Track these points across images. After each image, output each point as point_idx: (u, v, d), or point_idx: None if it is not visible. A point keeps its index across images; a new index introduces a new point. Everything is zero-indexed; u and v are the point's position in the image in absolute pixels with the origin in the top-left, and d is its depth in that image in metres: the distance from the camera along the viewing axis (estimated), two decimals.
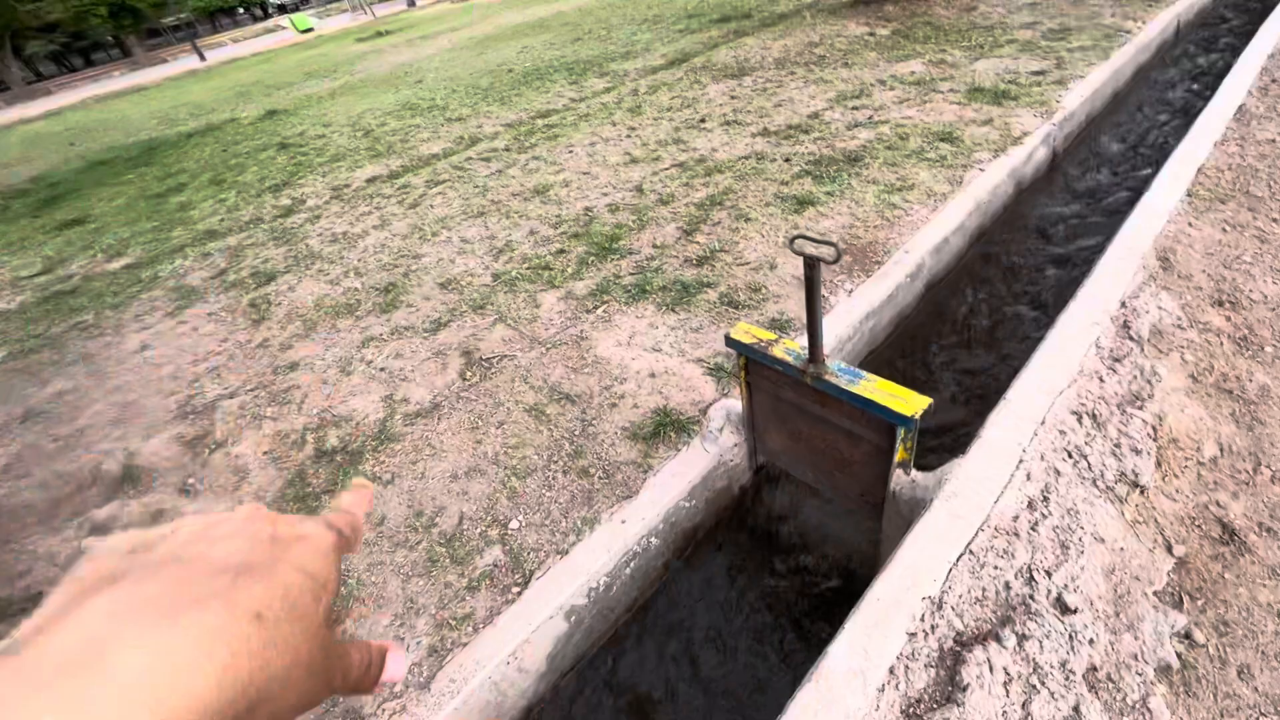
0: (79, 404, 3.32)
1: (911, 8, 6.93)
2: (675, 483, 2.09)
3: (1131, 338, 2.19)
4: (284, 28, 35.62)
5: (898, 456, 1.68)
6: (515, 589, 1.87)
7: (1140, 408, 1.94)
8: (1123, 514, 1.66)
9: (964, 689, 1.35)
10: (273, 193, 6.06)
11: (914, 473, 1.77)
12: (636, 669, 1.91)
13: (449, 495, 2.22)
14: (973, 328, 2.93)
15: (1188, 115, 4.10)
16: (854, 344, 2.65)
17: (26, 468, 2.93)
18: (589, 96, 6.74)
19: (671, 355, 2.64)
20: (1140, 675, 1.35)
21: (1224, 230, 2.67)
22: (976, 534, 1.64)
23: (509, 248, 3.83)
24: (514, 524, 2.06)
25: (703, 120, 5.19)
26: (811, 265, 1.52)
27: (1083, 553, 1.58)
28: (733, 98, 5.58)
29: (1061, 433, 1.89)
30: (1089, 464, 1.80)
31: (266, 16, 53.28)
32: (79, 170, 9.51)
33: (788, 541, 2.21)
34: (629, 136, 5.22)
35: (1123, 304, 2.34)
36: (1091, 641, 1.40)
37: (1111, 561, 1.56)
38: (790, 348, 1.80)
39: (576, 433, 2.36)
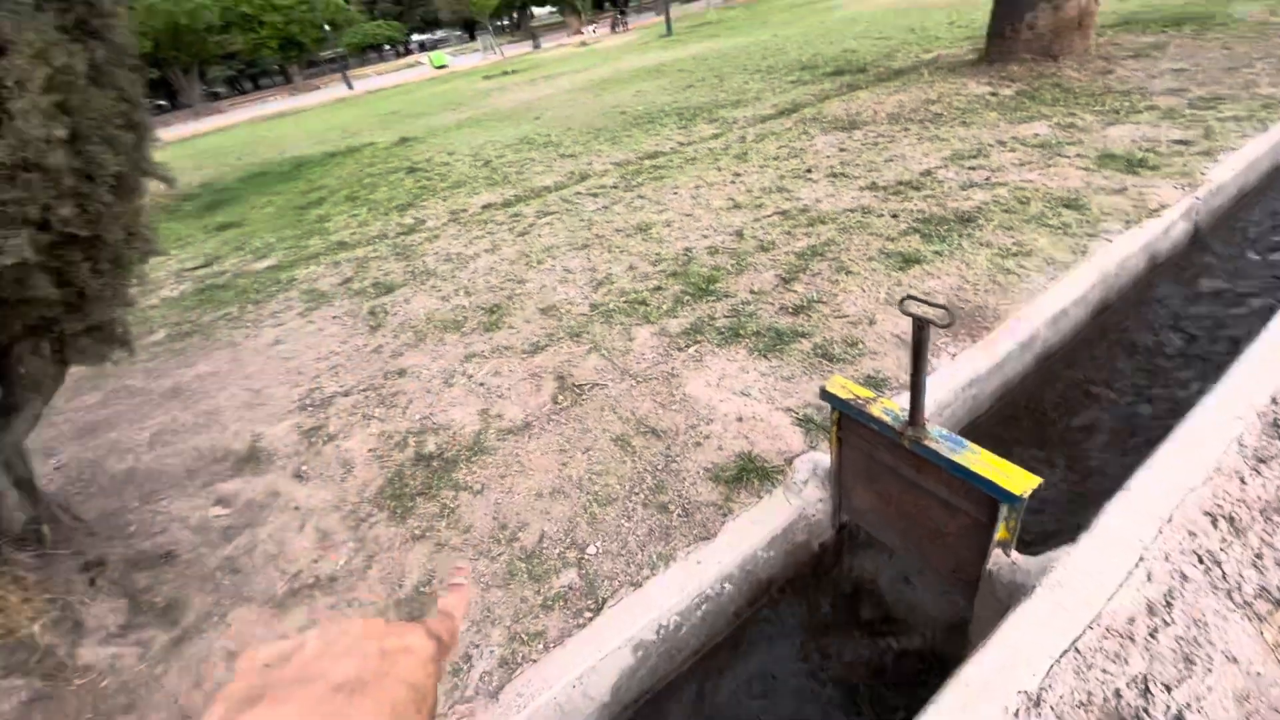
0: (217, 386, 3.72)
1: (1039, 68, 6.69)
2: (755, 530, 2.07)
3: None
4: (422, 63, 39.13)
5: (998, 535, 1.59)
6: (587, 614, 1.90)
7: None
8: (1262, 634, 1.49)
9: None
10: (398, 212, 6.62)
11: (1014, 554, 1.67)
12: (695, 718, 1.88)
13: (532, 513, 2.30)
14: (1087, 408, 2.73)
15: None
16: (953, 410, 2.54)
17: (169, 438, 3.30)
18: (697, 141, 6.94)
19: (760, 401, 2.64)
20: None
21: None
22: (1085, 631, 1.52)
23: (608, 280, 3.97)
24: (591, 549, 2.11)
25: (809, 170, 5.22)
26: (920, 327, 1.50)
27: (1210, 671, 1.42)
28: (841, 150, 5.57)
29: (1191, 534, 1.72)
30: (1223, 573, 1.62)
31: (408, 53, 58.83)
32: (239, 180, 10.78)
33: (866, 606, 2.12)
34: (733, 182, 5.32)
35: (1274, 400, 2.11)
36: None
37: (1245, 687, 1.39)
38: (889, 407, 1.76)
39: (659, 467, 2.39)
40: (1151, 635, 1.50)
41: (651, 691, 1.92)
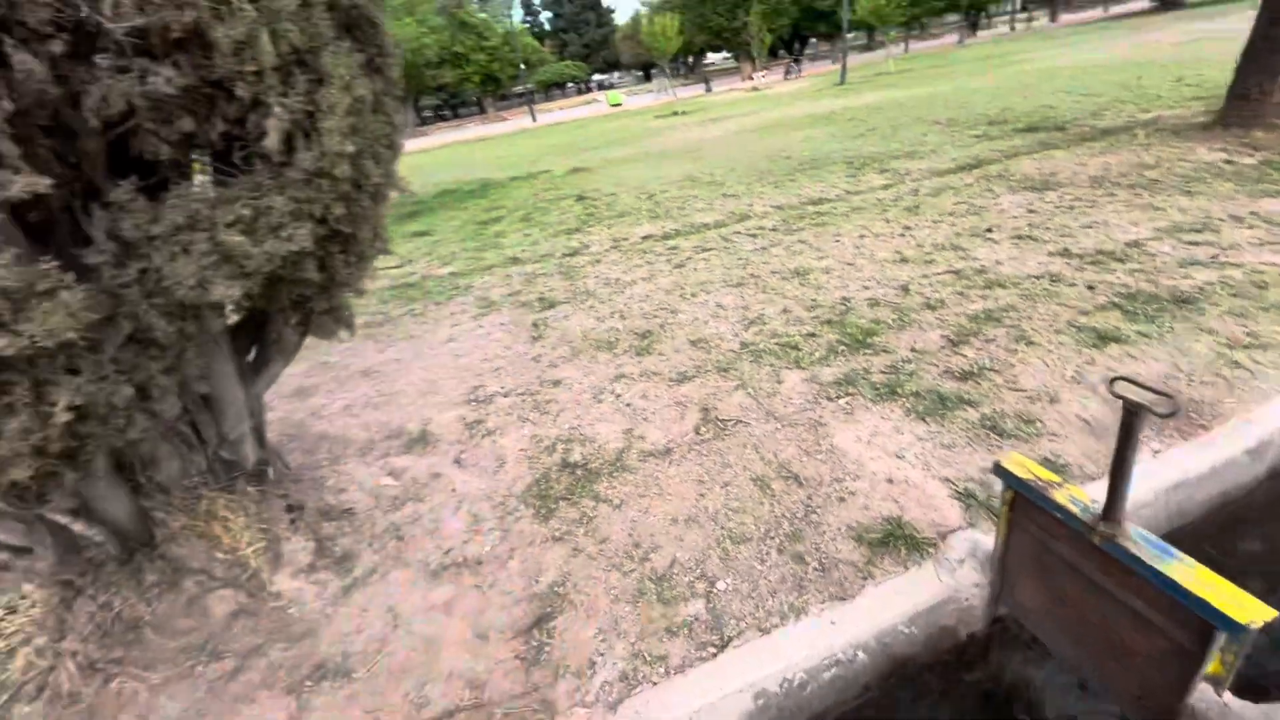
0: (400, 372, 4.21)
1: None
2: (897, 602, 1.95)
3: None
4: (599, 100, 42.15)
5: (1209, 668, 1.37)
6: (711, 649, 1.89)
7: None
8: None
9: None
10: (566, 235, 7.13)
11: (1228, 696, 1.42)
12: None
13: (666, 537, 2.34)
14: None
15: None
16: (1152, 513, 2.22)
17: (357, 410, 3.78)
18: (865, 190, 6.78)
19: (915, 466, 2.49)
20: None
21: None
22: None
23: (760, 320, 3.98)
24: (721, 584, 2.10)
25: (989, 230, 4.88)
26: (1133, 412, 1.35)
27: None
28: (1030, 211, 5.15)
29: None
30: None
31: (588, 90, 63.71)
32: (433, 195, 12.23)
33: (1019, 715, 1.89)
34: (902, 235, 5.11)
35: None
36: None
37: None
38: (1076, 496, 1.59)
39: (798, 515, 2.34)
40: None
41: None
